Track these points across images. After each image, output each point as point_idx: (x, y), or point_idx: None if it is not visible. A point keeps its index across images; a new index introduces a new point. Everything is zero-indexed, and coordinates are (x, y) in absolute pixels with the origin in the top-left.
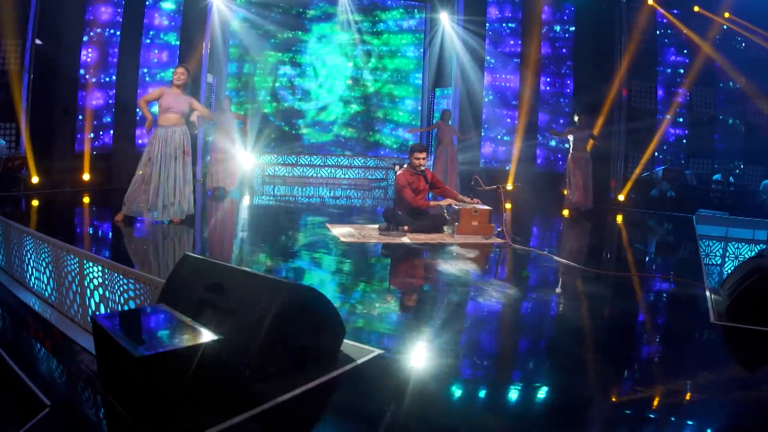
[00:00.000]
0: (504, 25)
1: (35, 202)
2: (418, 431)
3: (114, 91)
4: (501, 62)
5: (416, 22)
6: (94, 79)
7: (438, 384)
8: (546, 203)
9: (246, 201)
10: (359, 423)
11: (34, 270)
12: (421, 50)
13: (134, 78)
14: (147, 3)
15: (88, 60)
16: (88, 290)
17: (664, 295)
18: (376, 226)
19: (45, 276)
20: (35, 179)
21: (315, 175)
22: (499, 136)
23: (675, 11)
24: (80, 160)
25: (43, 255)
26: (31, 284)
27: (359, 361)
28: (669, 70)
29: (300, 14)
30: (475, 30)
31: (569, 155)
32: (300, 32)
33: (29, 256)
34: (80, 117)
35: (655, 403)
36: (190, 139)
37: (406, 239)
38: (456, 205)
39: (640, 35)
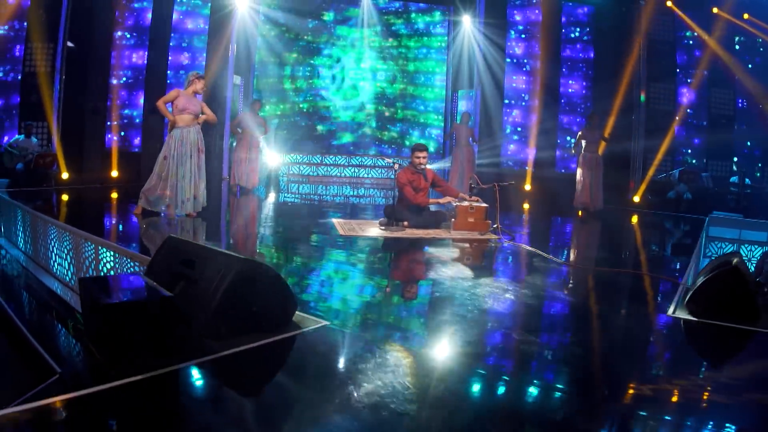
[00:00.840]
0: (523, 27)
1: (64, 197)
2: (342, 382)
3: (143, 91)
4: (522, 64)
5: (440, 25)
6: (123, 81)
7: (372, 351)
8: (562, 204)
9: (265, 198)
10: (290, 376)
11: (57, 257)
12: (445, 52)
13: (162, 80)
14: (175, 6)
15: (118, 62)
16: (102, 273)
17: (629, 288)
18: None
19: (66, 262)
20: (65, 175)
21: (339, 174)
22: (518, 138)
23: (691, 13)
24: (109, 157)
25: (65, 243)
26: (54, 270)
27: (305, 330)
28: (690, 71)
29: (324, 18)
30: (495, 32)
31: (580, 156)
32: (325, 35)
33: (53, 245)
34: (109, 117)
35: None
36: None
37: (403, 234)
38: (455, 202)
39: (659, 37)
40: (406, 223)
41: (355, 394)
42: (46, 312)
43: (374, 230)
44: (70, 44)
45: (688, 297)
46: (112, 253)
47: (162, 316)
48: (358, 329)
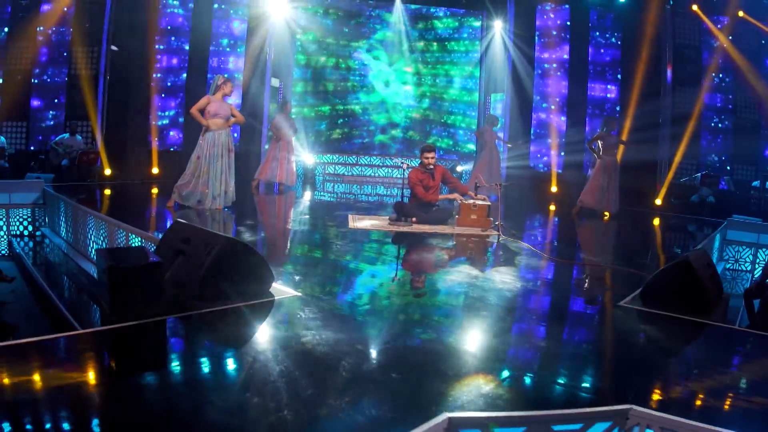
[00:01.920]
0: (551, 32)
1: (106, 192)
2: (296, 336)
3: (183, 92)
4: (550, 69)
5: (473, 30)
6: (167, 83)
7: (326, 316)
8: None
9: (295, 195)
10: (253, 329)
11: (94, 243)
12: (478, 57)
13: (203, 81)
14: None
15: (160, 65)
16: None
17: (598, 280)
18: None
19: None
20: (108, 171)
21: (373, 174)
22: (545, 140)
23: (720, 17)
24: (150, 155)
25: (101, 231)
26: (92, 255)
27: (277, 298)
28: (716, 75)
29: (359, 22)
30: (524, 37)
31: (598, 160)
32: (361, 40)
33: (91, 233)
34: (151, 117)
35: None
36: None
37: (409, 229)
38: (461, 199)
39: (685, 41)
40: (414, 219)
41: (309, 346)
42: (82, 291)
43: (384, 225)
44: (114, 47)
45: (641, 289)
46: (139, 239)
47: (153, 278)
48: (326, 301)
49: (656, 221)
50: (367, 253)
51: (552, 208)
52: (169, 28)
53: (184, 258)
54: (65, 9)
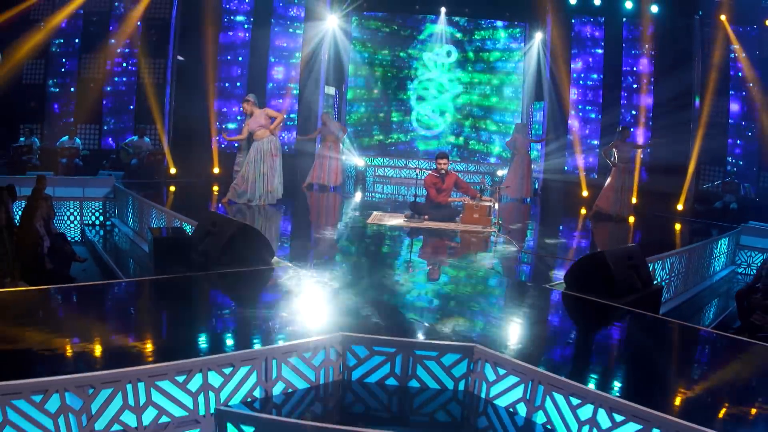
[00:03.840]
0: (587, 42)
1: (171, 188)
2: (283, 290)
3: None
4: (585, 77)
5: (515, 40)
6: (230, 90)
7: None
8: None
9: (344, 194)
10: (253, 285)
11: None
12: (521, 66)
13: (262, 89)
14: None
15: (225, 74)
16: None
17: (547, 268)
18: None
19: None
20: (173, 170)
21: (419, 177)
22: (581, 146)
23: (749, 27)
24: (211, 156)
25: (162, 220)
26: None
27: (275, 267)
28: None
29: (408, 33)
30: (562, 47)
31: (614, 167)
32: (409, 50)
33: (152, 222)
34: (214, 121)
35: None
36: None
37: (421, 224)
38: (468, 201)
39: (713, 50)
40: (426, 216)
41: (304, 296)
42: (143, 269)
43: (398, 221)
44: (180, 57)
45: (565, 273)
46: (190, 226)
47: (185, 247)
48: (307, 269)
49: (668, 225)
50: (361, 239)
51: (583, 211)
52: (230, 41)
53: (211, 236)
54: (136, 23)
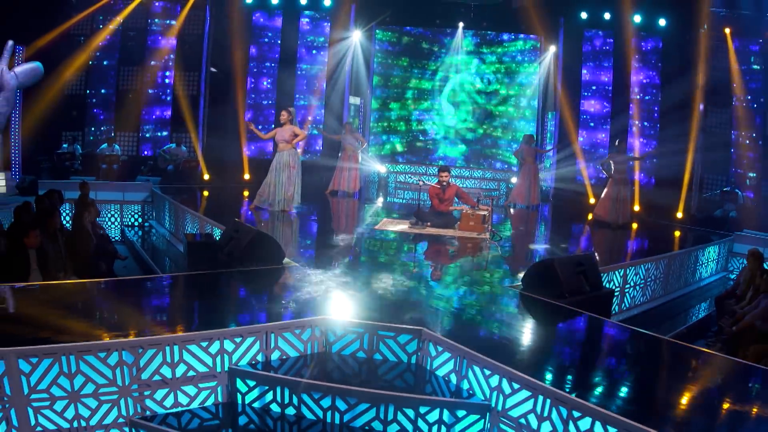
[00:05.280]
0: (599, 56)
1: (205, 193)
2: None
3: (273, 110)
4: (595, 89)
5: (531, 53)
6: (261, 102)
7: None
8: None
9: (362, 200)
10: (269, 280)
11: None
12: (536, 77)
13: (290, 101)
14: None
15: (260, 87)
16: None
17: (516, 269)
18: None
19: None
20: (206, 176)
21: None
22: (589, 155)
23: (754, 40)
24: (242, 163)
25: (195, 224)
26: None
27: (286, 266)
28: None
29: (429, 46)
30: (573, 59)
31: (611, 178)
32: (430, 61)
33: (187, 225)
34: (244, 130)
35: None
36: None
37: (422, 230)
38: (466, 210)
39: (718, 63)
40: (428, 223)
41: (303, 289)
42: (178, 265)
43: (404, 227)
44: (213, 69)
45: (522, 275)
46: (219, 230)
47: (213, 250)
48: (314, 267)
49: (665, 233)
50: (364, 243)
51: (589, 217)
52: (260, 54)
53: (234, 240)
54: (172, 39)
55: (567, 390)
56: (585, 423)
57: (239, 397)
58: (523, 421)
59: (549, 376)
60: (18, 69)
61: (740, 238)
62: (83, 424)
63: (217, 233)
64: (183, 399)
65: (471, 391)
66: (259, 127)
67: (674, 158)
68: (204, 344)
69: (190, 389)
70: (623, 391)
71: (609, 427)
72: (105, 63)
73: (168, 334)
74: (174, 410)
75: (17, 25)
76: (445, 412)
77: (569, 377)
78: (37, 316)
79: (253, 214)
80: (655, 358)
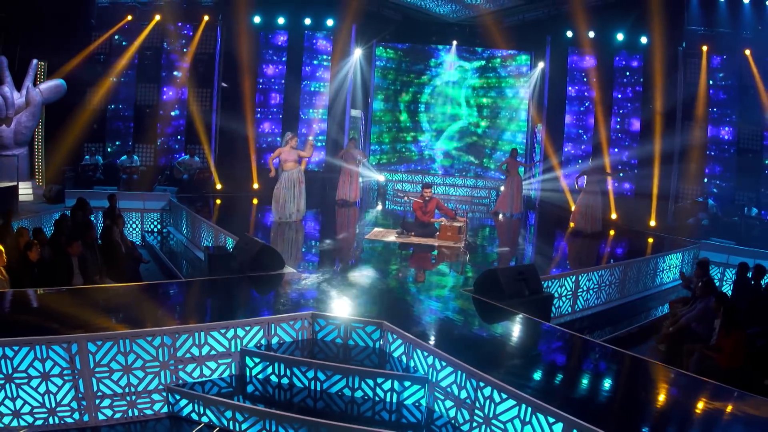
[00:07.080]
0: (580, 72)
1: (217, 201)
2: (287, 286)
3: (281, 123)
4: (578, 104)
5: (522, 68)
6: (268, 116)
7: (303, 279)
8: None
9: (362, 208)
10: (270, 283)
11: (204, 240)
12: (525, 91)
13: (296, 114)
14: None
15: (272, 101)
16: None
17: (476, 273)
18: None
19: (209, 242)
20: (219, 186)
21: (434, 192)
22: (574, 167)
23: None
24: (252, 173)
25: (210, 233)
26: (203, 246)
27: (285, 272)
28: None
29: (425, 62)
30: (558, 75)
31: (582, 191)
32: (425, 76)
33: (203, 233)
34: (254, 142)
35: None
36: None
37: (407, 240)
38: (445, 221)
39: (693, 79)
40: (413, 233)
41: (297, 290)
42: (195, 269)
43: (390, 237)
44: (224, 85)
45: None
46: (231, 239)
47: (227, 259)
48: (308, 272)
49: (636, 240)
50: (354, 251)
51: (571, 225)
52: (268, 71)
53: (244, 251)
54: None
55: (479, 367)
56: (487, 391)
57: (248, 370)
58: (449, 390)
59: (468, 357)
60: (42, 86)
61: (705, 245)
62: (132, 389)
63: (230, 242)
64: (206, 371)
65: (415, 368)
66: (268, 138)
67: (651, 170)
68: (222, 331)
69: (212, 364)
70: (527, 370)
71: (502, 394)
72: (123, 80)
73: (195, 324)
74: (200, 380)
75: (41, 44)
76: (396, 383)
77: (487, 359)
78: (92, 311)
79: (276, 225)
80: (567, 351)
